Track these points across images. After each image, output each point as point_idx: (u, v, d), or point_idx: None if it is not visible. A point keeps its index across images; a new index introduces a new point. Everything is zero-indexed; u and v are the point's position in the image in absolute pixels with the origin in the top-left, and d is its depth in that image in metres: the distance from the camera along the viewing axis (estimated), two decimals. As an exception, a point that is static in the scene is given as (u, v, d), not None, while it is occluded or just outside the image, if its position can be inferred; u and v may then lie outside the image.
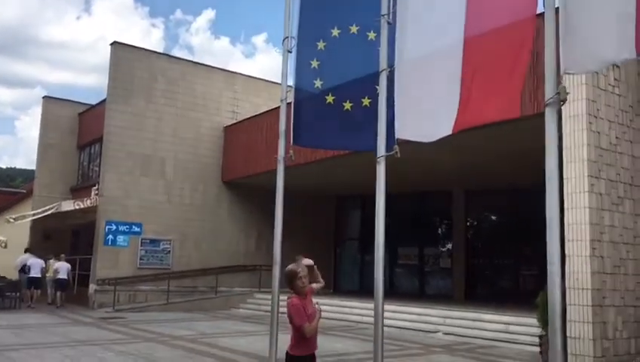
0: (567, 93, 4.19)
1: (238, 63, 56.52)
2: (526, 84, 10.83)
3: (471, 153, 14.64)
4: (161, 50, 58.80)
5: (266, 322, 6.95)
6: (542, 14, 4.47)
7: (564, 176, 9.05)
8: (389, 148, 5.85)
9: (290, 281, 4.65)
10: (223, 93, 21.13)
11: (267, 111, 18.91)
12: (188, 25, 67.97)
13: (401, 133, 5.69)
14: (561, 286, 3.99)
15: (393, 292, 20.35)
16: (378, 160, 5.89)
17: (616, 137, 9.28)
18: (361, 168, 9.55)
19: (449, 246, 20.94)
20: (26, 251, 20.66)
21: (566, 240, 8.95)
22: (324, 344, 10.98)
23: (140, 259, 18.94)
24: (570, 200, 8.93)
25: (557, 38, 4.33)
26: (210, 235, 20.20)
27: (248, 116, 20.18)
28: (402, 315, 14.16)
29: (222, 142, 20.84)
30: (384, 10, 6.00)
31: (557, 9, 4.38)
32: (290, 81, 7.51)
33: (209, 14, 65.90)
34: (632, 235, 9.30)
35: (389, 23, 6.01)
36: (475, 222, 21.23)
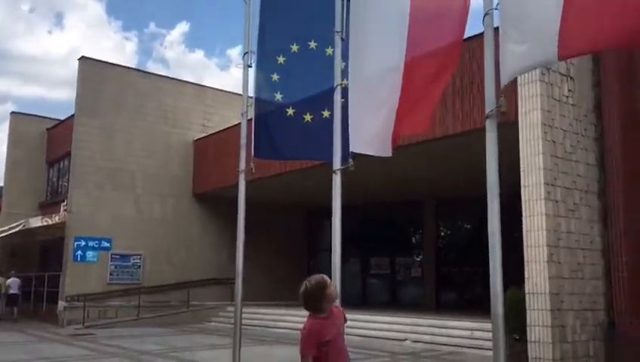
0: (504, 111, 4.42)
1: (214, 76, 56.73)
2: (479, 99, 11.20)
3: (441, 163, 14.94)
4: (135, 64, 58.68)
5: (237, 335, 7.01)
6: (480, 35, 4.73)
7: (522, 184, 9.32)
8: (345, 161, 6.02)
9: (317, 294, 3.53)
10: (194, 107, 21.18)
11: (237, 124, 18.96)
12: (162, 38, 67.72)
13: (356, 147, 5.87)
14: (501, 290, 4.19)
15: (366, 302, 20.53)
16: (334, 172, 6.05)
17: (571, 146, 9.58)
18: (330, 179, 9.69)
19: (420, 255, 21.20)
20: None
21: (525, 247, 9.21)
22: (293, 354, 11.07)
23: (110, 274, 18.79)
24: (527, 208, 9.18)
25: (496, 54, 4.57)
26: (182, 249, 20.13)
27: (219, 129, 20.24)
28: (373, 324, 14.29)
29: (192, 156, 20.85)
30: (338, 27, 6.20)
31: (496, 28, 4.63)
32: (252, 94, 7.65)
33: (183, 27, 65.79)
34: (588, 241, 9.59)
35: (342, 39, 6.22)
36: (446, 231, 21.54)
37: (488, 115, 4.58)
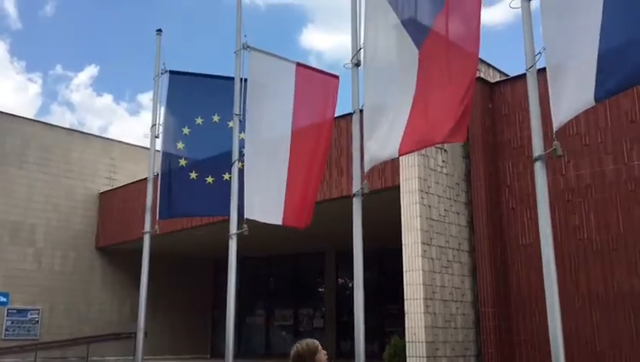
0: (367, 192, 5.48)
1: (122, 121, 55.95)
2: (350, 169, 12.51)
3: (339, 219, 15.97)
4: (38, 106, 56.64)
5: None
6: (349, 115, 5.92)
7: (403, 243, 10.51)
8: (240, 225, 6.86)
9: (306, 358, 3.61)
10: (100, 160, 21.25)
11: (143, 179, 19.32)
12: (68, 81, 65.51)
13: (250, 213, 6.73)
14: (363, 339, 5.15)
15: (270, 354, 20.99)
16: (230, 237, 6.86)
17: (445, 210, 10.95)
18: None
19: (322, 306, 22.04)
20: None
21: (405, 299, 10.33)
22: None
23: (6, 330, 18.15)
24: (407, 264, 10.35)
25: (361, 138, 5.70)
26: (81, 303, 19.81)
27: (125, 183, 20.42)
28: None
29: (97, 208, 20.80)
30: (237, 111, 7.15)
31: (361, 110, 5.78)
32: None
33: (91, 71, 63.96)
34: (460, 294, 10.87)
35: (240, 120, 7.17)
36: (345, 282, 22.58)
37: (355, 193, 5.65)
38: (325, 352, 3.68)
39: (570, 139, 10.02)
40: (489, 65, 12.25)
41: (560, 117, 4.13)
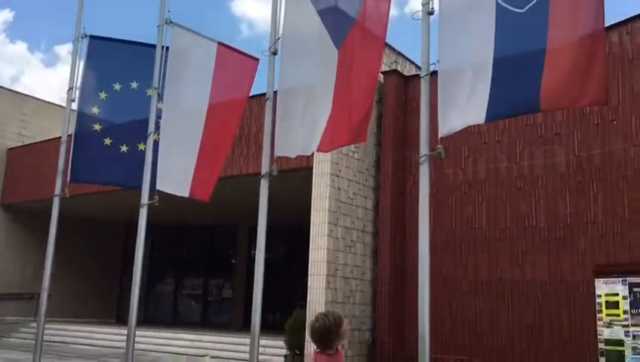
0: (275, 175, 5.82)
1: (37, 72, 52.97)
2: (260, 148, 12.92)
3: (253, 194, 16.29)
4: (-59, 51, 52.74)
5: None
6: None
7: (312, 222, 11.04)
8: (152, 196, 7.05)
9: (332, 330, 3.44)
10: (10, 114, 20.38)
11: (55, 138, 18.77)
12: (-23, 25, 60.75)
13: (160, 185, 6.94)
14: (260, 312, 5.57)
15: (177, 321, 21.18)
16: (141, 206, 7.04)
17: (354, 193, 11.55)
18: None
19: (233, 277, 22.40)
20: None
21: (309, 275, 10.90)
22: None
23: None
24: (314, 242, 10.91)
25: (273, 124, 6.01)
26: (-18, 261, 19.15)
27: (36, 140, 19.74)
28: (179, 342, 15.14)
29: (4, 164, 20.01)
30: (155, 84, 7.29)
31: (275, 92, 6.05)
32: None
33: (5, 15, 59.79)
34: (361, 272, 11.57)
35: (159, 94, 7.32)
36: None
37: (263, 175, 6.02)
38: (348, 321, 3.57)
39: (472, 137, 10.84)
40: (406, 58, 12.88)
41: (449, 125, 4.47)
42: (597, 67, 3.92)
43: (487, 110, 4.15)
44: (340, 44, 5.38)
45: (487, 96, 4.16)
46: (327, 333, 3.44)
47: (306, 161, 11.72)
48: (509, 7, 4.21)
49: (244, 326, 20.08)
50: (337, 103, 5.24)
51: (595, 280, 7.24)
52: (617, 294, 6.97)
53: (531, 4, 4.10)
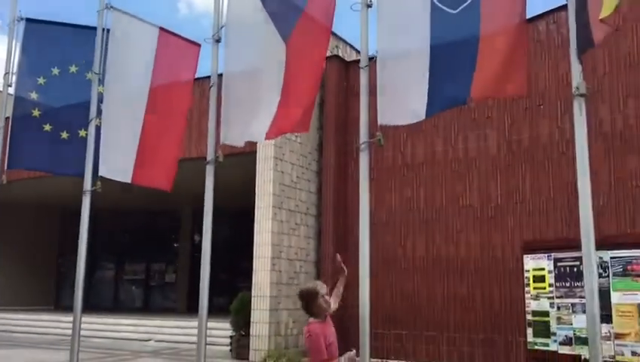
0: (221, 161, 5.91)
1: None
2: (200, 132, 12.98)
3: (197, 178, 16.23)
4: None
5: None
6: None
7: (256, 206, 11.19)
8: (94, 182, 7.03)
9: (308, 302, 3.99)
10: None
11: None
12: None
13: (102, 171, 6.93)
14: (207, 294, 5.73)
15: (118, 307, 20.94)
16: (84, 193, 7.02)
17: (297, 176, 11.77)
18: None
19: (175, 262, 22.29)
20: None
21: (254, 258, 11.08)
22: (35, 357, 11.43)
23: None
24: (259, 225, 11.08)
25: (218, 115, 6.08)
26: None
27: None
28: (121, 327, 15.05)
29: None
30: (96, 69, 7.22)
31: (220, 77, 6.02)
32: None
33: None
34: (305, 253, 11.84)
35: (100, 80, 7.27)
36: (201, 240, 22.97)
37: (209, 161, 6.13)
38: (325, 293, 3.94)
39: (410, 121, 11.21)
40: (347, 43, 13.11)
41: (388, 117, 4.66)
42: (520, 58, 4.25)
43: (428, 104, 4.38)
44: (288, 34, 5.46)
45: (427, 90, 4.38)
46: (302, 299, 4.04)
47: (249, 145, 11.81)
48: (444, 8, 4.47)
49: (188, 311, 20.10)
50: (285, 92, 5.37)
51: (524, 256, 7.74)
52: (543, 269, 7.46)
53: (464, 6, 4.37)
